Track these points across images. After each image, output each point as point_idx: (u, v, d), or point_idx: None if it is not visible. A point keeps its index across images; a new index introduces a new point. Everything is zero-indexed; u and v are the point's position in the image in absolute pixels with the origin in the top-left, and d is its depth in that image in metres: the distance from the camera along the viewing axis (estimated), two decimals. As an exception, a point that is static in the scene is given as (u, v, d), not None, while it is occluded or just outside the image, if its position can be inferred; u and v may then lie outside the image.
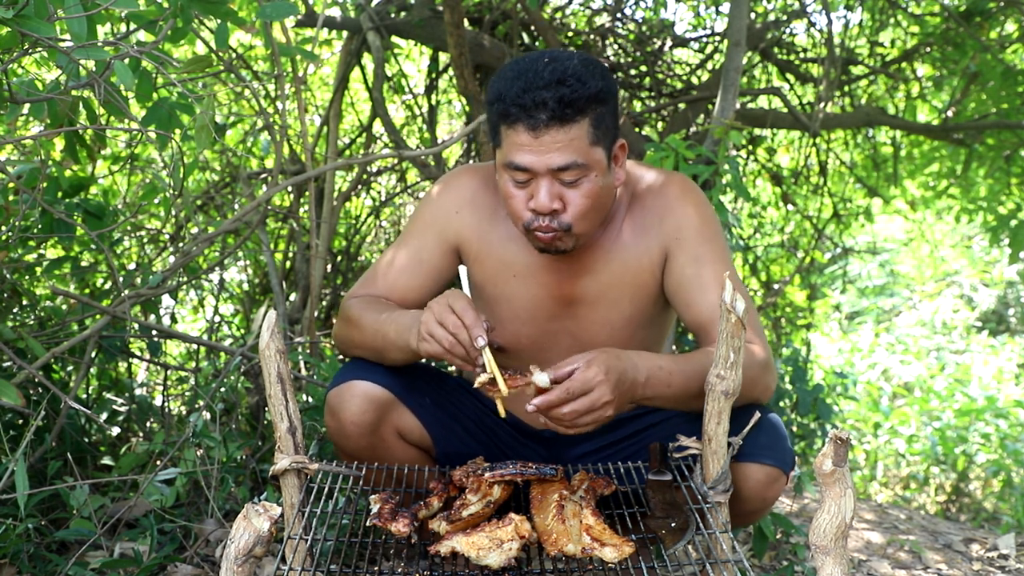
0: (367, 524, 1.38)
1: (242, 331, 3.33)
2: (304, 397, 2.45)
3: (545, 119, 1.45)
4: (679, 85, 3.86)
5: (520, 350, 1.74)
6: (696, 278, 1.61)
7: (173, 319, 3.04)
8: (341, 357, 2.36)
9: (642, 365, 1.44)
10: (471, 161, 3.62)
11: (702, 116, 3.52)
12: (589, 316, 1.70)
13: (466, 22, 3.28)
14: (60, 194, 2.13)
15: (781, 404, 2.62)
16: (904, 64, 4.20)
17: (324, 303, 3.52)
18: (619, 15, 3.74)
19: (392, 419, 1.63)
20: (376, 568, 1.58)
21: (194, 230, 3.04)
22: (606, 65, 1.58)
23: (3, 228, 2.02)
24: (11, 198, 2.01)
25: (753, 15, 3.83)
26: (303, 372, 2.51)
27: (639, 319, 1.71)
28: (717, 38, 3.94)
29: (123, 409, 2.46)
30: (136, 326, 2.34)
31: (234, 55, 2.79)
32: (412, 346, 1.51)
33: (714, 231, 1.67)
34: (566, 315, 1.71)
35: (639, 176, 1.73)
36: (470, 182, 1.74)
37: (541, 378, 1.35)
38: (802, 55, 4.10)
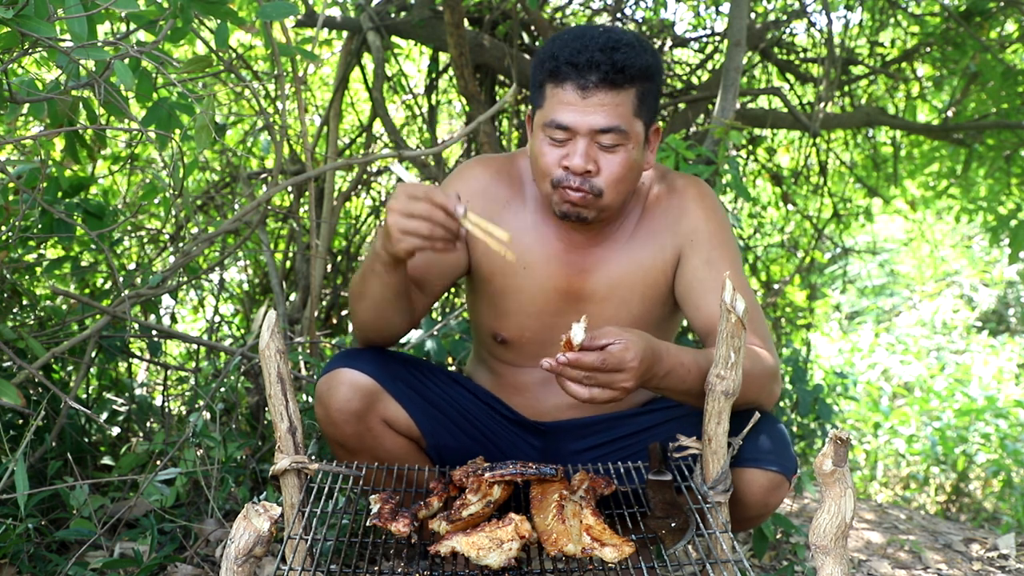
0: (367, 524, 1.38)
1: (242, 331, 3.33)
2: (304, 397, 2.45)
3: (595, 80, 1.50)
4: (679, 85, 3.86)
5: (524, 344, 1.74)
6: (707, 281, 1.61)
7: (173, 319, 3.04)
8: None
9: (667, 361, 1.42)
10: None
11: (702, 116, 3.52)
12: (597, 314, 1.68)
13: (466, 22, 3.28)
14: (60, 194, 2.13)
15: (781, 404, 2.61)
16: (904, 64, 4.20)
17: (324, 303, 3.52)
18: (619, 15, 3.74)
19: (379, 408, 1.62)
20: (376, 568, 1.58)
21: (194, 230, 3.04)
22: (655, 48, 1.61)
23: (3, 228, 2.02)
24: (11, 198, 2.01)
25: (753, 15, 3.83)
26: (303, 372, 2.51)
27: (647, 320, 1.70)
28: (717, 38, 3.94)
29: (123, 409, 2.46)
30: (136, 326, 2.34)
31: (234, 55, 2.79)
32: (389, 252, 1.49)
33: (727, 236, 1.68)
34: (573, 311, 1.69)
35: (656, 175, 1.74)
36: (483, 173, 1.74)
37: (578, 334, 1.32)
38: (802, 55, 4.10)
